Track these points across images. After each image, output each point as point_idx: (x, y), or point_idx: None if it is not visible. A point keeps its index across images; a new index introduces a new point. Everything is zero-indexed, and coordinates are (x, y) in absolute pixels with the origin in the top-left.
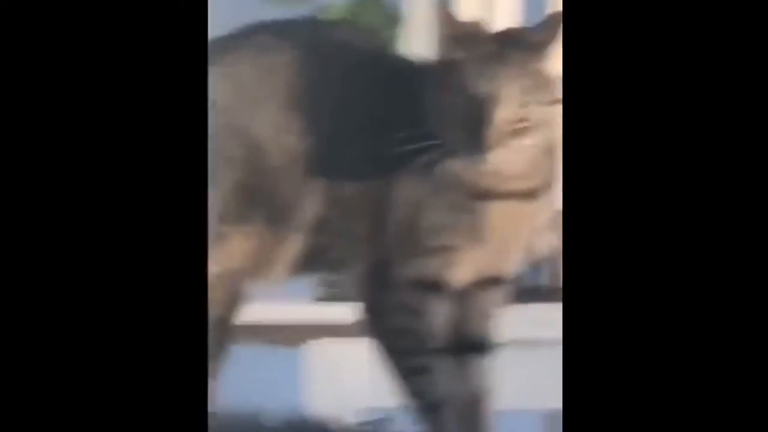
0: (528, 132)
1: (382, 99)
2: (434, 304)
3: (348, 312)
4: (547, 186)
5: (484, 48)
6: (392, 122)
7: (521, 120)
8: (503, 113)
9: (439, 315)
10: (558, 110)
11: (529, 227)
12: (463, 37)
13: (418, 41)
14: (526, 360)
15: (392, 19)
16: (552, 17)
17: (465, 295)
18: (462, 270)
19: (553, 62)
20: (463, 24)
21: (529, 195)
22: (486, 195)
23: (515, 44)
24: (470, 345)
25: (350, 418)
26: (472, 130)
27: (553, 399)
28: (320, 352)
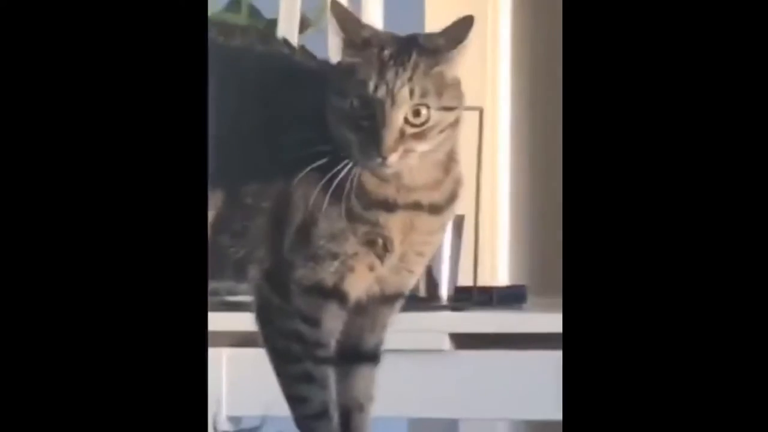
0: (427, 136)
1: (283, 102)
2: (330, 312)
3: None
4: (451, 200)
5: (383, 51)
6: (291, 125)
7: (418, 123)
8: (398, 116)
9: (334, 324)
10: (457, 116)
11: (433, 241)
12: (362, 41)
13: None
14: (407, 367)
15: (268, 25)
16: (457, 23)
17: (362, 308)
18: (361, 281)
19: (455, 68)
20: (363, 27)
21: (434, 208)
22: (388, 205)
23: (416, 48)
24: (361, 355)
25: (215, 428)
26: (369, 133)
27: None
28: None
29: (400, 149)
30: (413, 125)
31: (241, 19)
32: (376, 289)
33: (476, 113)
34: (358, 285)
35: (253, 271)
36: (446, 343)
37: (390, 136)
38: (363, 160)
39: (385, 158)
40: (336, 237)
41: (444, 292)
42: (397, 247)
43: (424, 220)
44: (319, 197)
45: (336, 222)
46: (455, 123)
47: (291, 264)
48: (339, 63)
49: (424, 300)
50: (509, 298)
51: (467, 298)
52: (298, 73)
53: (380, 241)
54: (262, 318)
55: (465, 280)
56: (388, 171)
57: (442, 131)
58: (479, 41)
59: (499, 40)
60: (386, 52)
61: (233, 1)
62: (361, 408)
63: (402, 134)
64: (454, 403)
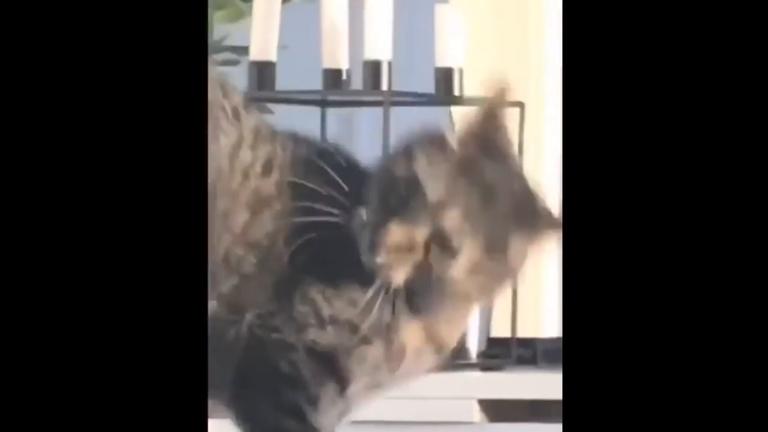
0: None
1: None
2: (328, 394)
3: None
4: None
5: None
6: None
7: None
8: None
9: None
10: None
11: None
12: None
13: None
14: None
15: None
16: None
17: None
18: (365, 368)
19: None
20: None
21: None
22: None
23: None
24: None
25: None
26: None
27: None
28: None
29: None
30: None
31: None
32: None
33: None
34: (359, 371)
35: (252, 312)
36: (475, 414)
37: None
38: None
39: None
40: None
41: (473, 345)
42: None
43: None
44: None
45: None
46: None
47: (305, 321)
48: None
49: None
50: (558, 353)
51: (503, 353)
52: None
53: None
54: (248, 386)
55: (501, 329)
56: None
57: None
58: (520, 34)
59: (544, 33)
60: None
61: None
62: None
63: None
64: None
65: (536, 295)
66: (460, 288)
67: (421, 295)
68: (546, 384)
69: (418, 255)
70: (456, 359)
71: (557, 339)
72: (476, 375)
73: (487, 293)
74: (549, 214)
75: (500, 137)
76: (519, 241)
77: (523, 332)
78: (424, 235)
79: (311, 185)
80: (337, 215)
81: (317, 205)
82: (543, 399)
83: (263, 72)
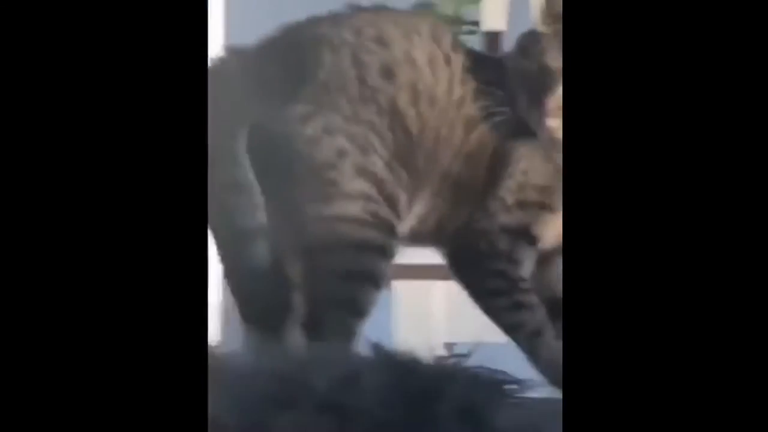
0: None
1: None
2: (527, 253)
3: (433, 255)
4: None
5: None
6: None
7: None
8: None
9: (530, 265)
10: None
11: None
12: (557, 15)
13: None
14: None
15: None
16: None
17: (550, 259)
18: (554, 230)
19: None
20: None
21: None
22: None
23: None
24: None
25: (433, 353)
26: (536, 96)
27: None
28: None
29: (560, 117)
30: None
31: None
32: (559, 237)
33: None
34: (549, 232)
35: (456, 223)
36: None
37: (552, 103)
38: (526, 116)
39: (542, 120)
40: (542, 188)
41: None
42: None
43: None
44: (532, 153)
45: (542, 175)
46: None
47: (495, 212)
48: (530, 29)
49: None
50: None
51: None
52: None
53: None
54: (463, 264)
55: None
56: (542, 134)
57: None
58: None
59: None
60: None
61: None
62: None
63: (560, 105)
64: None
65: None
66: None
67: None
68: None
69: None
70: None
71: None
72: None
73: None
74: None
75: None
76: None
77: None
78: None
79: (490, 100)
80: (506, 111)
81: (498, 109)
82: None
83: (491, 38)
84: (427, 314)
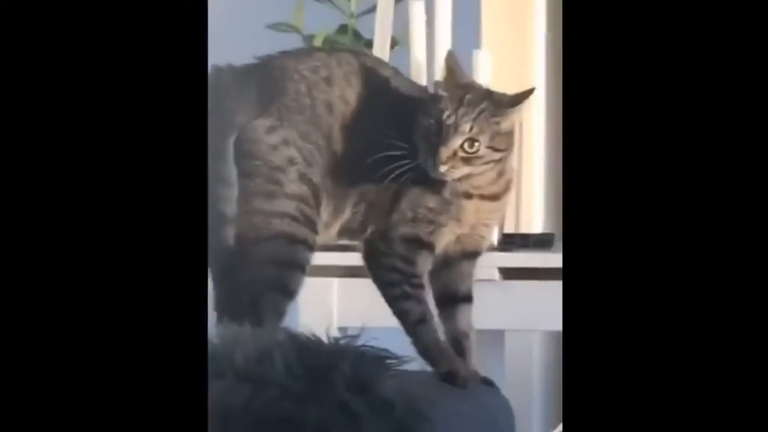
0: (473, 162)
1: (392, 123)
2: (421, 256)
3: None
4: (505, 192)
5: (465, 95)
6: (393, 137)
7: (469, 152)
8: (456, 141)
9: (425, 265)
10: (504, 156)
11: (494, 216)
12: (456, 85)
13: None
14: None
15: (367, 45)
16: (522, 93)
17: (450, 262)
18: (444, 239)
19: (511, 122)
20: (463, 76)
21: (494, 197)
22: (467, 194)
23: (489, 100)
24: (458, 298)
25: (330, 334)
26: (433, 146)
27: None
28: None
29: (449, 164)
30: (465, 152)
31: (347, 39)
32: (458, 247)
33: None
34: (442, 241)
35: (370, 229)
36: (496, 275)
37: (445, 153)
38: (424, 164)
39: (436, 167)
40: (432, 210)
41: (495, 238)
42: (471, 219)
43: (487, 204)
44: (421, 189)
45: (434, 202)
46: (502, 160)
47: (396, 225)
48: (433, 93)
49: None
50: (541, 242)
51: (511, 242)
52: (401, 97)
53: (459, 215)
54: (371, 260)
55: (509, 228)
56: (437, 177)
57: (486, 163)
58: (520, 48)
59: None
60: (467, 97)
61: (342, 25)
62: (466, 336)
63: (454, 155)
64: (502, 318)
65: (529, 207)
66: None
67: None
68: (537, 259)
69: (458, 158)
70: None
71: (541, 234)
72: (497, 254)
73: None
74: (504, 96)
75: (462, 78)
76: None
77: (523, 230)
78: (457, 145)
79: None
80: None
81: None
82: (537, 267)
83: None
84: (326, 304)
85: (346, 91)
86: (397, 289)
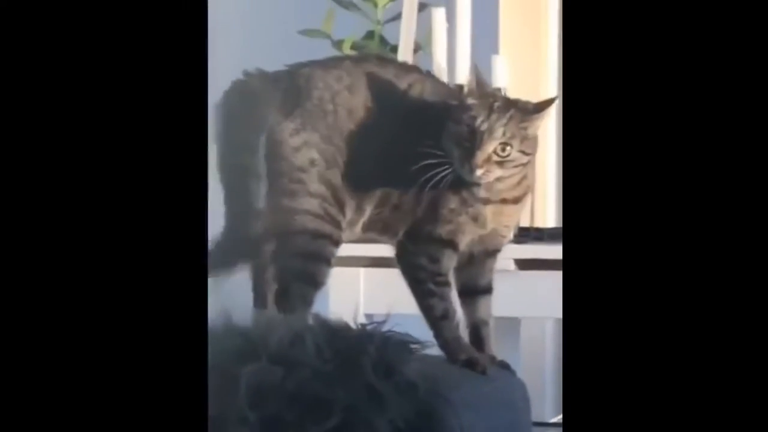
0: (505, 166)
1: (415, 129)
2: (446, 254)
3: (388, 249)
4: (524, 195)
5: (494, 102)
6: (421, 144)
7: (502, 156)
8: (490, 146)
9: (449, 263)
10: (529, 160)
11: (514, 218)
12: (483, 93)
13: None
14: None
15: (392, 50)
16: (546, 101)
17: (474, 259)
18: (468, 239)
19: (536, 127)
20: (487, 85)
21: (515, 200)
22: (486, 200)
23: (516, 108)
24: (479, 290)
25: (357, 320)
26: (468, 151)
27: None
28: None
29: (485, 168)
30: (498, 156)
31: (373, 45)
32: (481, 246)
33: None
34: (464, 241)
35: (400, 230)
36: (512, 266)
37: (481, 157)
38: (459, 169)
39: (473, 171)
40: (454, 212)
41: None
42: (492, 223)
43: (508, 207)
44: (447, 191)
45: (456, 204)
46: (527, 164)
47: (422, 225)
48: (462, 101)
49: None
50: (555, 235)
51: (527, 235)
52: (428, 106)
53: (480, 219)
54: (401, 258)
55: (525, 222)
56: (473, 180)
57: (516, 167)
58: (536, 53)
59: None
60: (497, 104)
61: (369, 32)
62: (485, 323)
63: (489, 159)
64: (518, 306)
65: (543, 204)
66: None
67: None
68: (550, 251)
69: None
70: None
71: (554, 228)
72: (513, 246)
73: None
74: (525, 103)
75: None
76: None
77: (537, 224)
78: (492, 149)
79: (432, 158)
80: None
81: (440, 169)
82: (550, 258)
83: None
84: (353, 292)
85: (367, 99)
86: (423, 285)
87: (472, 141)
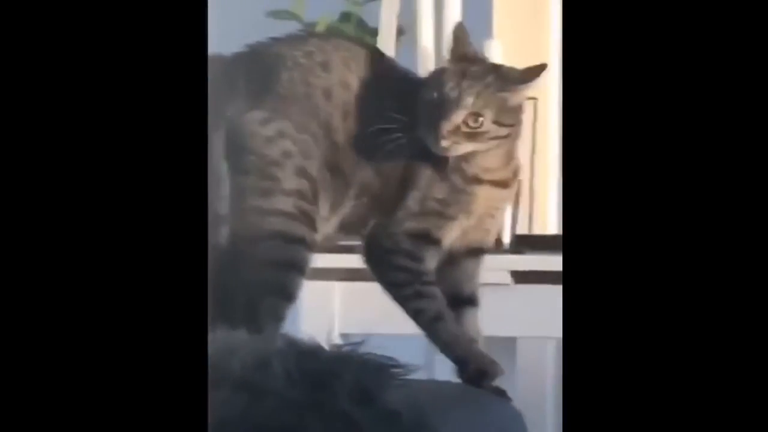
0: (478, 138)
1: (390, 103)
2: (429, 252)
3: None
4: (513, 178)
5: (471, 67)
6: (390, 110)
7: (473, 127)
8: (459, 115)
9: (432, 261)
10: (510, 132)
11: (501, 207)
12: (462, 55)
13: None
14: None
15: (372, 33)
16: (534, 67)
17: (454, 259)
18: (453, 234)
19: (519, 97)
20: (469, 45)
21: (502, 183)
22: (473, 180)
23: (497, 74)
24: (463, 301)
25: (331, 341)
26: (434, 120)
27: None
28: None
29: (451, 140)
30: (469, 126)
31: (350, 28)
32: (463, 242)
33: (532, 102)
34: (449, 236)
35: (371, 225)
36: (508, 279)
37: (446, 127)
38: (425, 140)
39: (437, 142)
40: (441, 202)
41: (506, 240)
42: (481, 208)
43: (497, 191)
44: (433, 178)
45: (442, 193)
46: (509, 136)
47: (402, 219)
48: (438, 67)
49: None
50: (554, 244)
51: (524, 243)
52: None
53: (465, 205)
54: (375, 260)
55: (522, 230)
56: (439, 152)
57: (492, 139)
58: (533, 38)
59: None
60: (472, 69)
61: (344, 13)
62: (473, 342)
63: (456, 130)
64: (514, 325)
65: (543, 209)
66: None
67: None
68: (548, 262)
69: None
70: (497, 248)
71: (554, 235)
72: (508, 256)
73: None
74: (516, 71)
75: (470, 51)
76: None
77: (535, 231)
78: (460, 120)
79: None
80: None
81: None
82: (547, 270)
83: None
84: (327, 309)
85: (346, 76)
86: (408, 289)
87: (440, 109)
